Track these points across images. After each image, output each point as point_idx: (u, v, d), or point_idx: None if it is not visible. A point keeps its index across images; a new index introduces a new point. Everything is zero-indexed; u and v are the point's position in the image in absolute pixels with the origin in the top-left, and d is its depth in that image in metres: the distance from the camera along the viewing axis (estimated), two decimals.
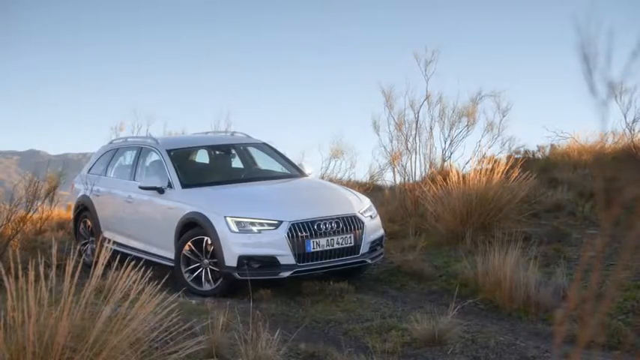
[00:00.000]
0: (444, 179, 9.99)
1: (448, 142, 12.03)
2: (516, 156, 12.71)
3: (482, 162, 11.28)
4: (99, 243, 7.60)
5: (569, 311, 1.89)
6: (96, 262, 4.48)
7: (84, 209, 9.87)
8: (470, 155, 11.90)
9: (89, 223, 9.79)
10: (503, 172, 9.63)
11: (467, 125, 12.08)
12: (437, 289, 7.81)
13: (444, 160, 11.99)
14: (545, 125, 14.42)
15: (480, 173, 9.69)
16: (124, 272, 4.49)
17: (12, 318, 4.05)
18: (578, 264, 8.15)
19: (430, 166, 11.81)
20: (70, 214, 10.99)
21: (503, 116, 12.35)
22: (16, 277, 4.14)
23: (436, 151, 11.95)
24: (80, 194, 9.99)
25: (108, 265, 4.56)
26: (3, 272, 4.18)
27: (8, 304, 4.09)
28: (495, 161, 10.58)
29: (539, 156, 14.39)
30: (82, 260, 4.55)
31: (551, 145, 14.60)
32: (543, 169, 12.73)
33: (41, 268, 4.27)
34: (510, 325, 6.54)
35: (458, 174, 9.90)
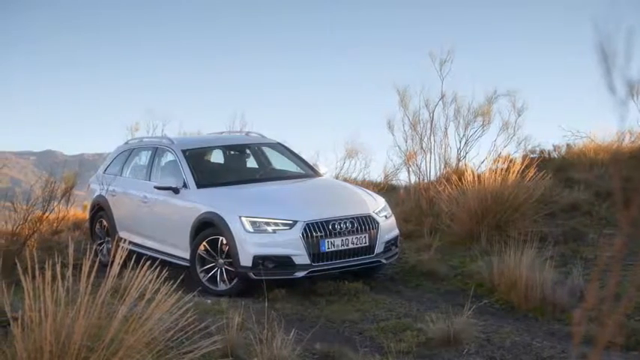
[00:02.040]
0: (459, 179, 9.96)
1: (463, 142, 11.99)
2: (532, 155, 12.65)
3: (498, 161, 11.23)
4: (115, 243, 7.64)
5: (586, 311, 1.88)
6: (112, 262, 4.50)
7: (100, 209, 9.92)
8: (485, 155, 11.85)
9: (105, 223, 9.84)
10: (518, 171, 9.58)
11: (482, 125, 12.03)
12: (452, 289, 7.79)
13: (459, 160, 11.95)
14: (561, 124, 14.34)
15: (496, 173, 9.65)
16: (139, 272, 4.51)
17: (29, 317, 4.07)
18: (596, 264, 8.09)
19: (445, 166, 11.77)
20: (86, 214, 11.05)
21: (519, 115, 12.29)
22: (34, 277, 4.17)
23: (451, 150, 11.92)
24: (96, 194, 10.04)
25: (124, 265, 4.58)
26: (20, 272, 4.21)
27: (26, 304, 4.12)
28: (511, 161, 10.55)
29: (555, 155, 14.28)
30: (98, 260, 4.56)
31: (567, 145, 14.49)
32: (559, 168, 12.64)
33: (58, 268, 4.29)
34: (526, 326, 6.51)
35: (473, 173, 9.86)
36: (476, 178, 9.70)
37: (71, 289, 4.24)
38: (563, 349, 5.76)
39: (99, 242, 9.85)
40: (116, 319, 4.18)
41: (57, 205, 9.34)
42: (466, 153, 11.98)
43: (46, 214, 9.20)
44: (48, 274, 4.16)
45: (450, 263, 8.55)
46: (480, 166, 11.59)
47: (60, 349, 4.01)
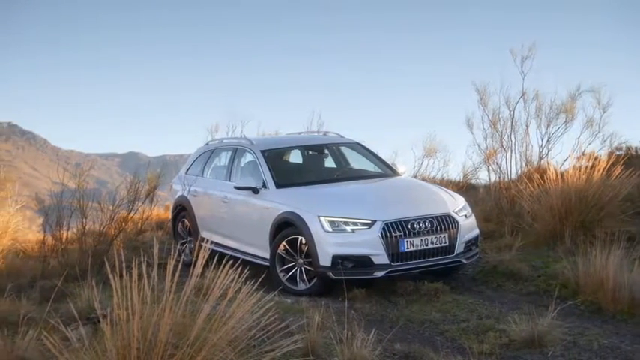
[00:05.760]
0: (541, 177, 9.74)
1: (545, 140, 11.70)
2: (618, 153, 12.24)
3: (582, 159, 10.92)
4: (197, 242, 7.76)
5: None
6: (195, 262, 4.59)
7: (182, 209, 10.13)
8: (568, 152, 11.52)
9: (187, 223, 10.04)
10: (604, 169, 9.31)
11: (565, 122, 11.72)
12: (535, 290, 7.61)
13: (540, 158, 11.67)
14: None
15: (580, 171, 9.39)
16: (221, 271, 4.59)
17: (117, 315, 4.20)
18: None
19: (526, 164, 11.52)
20: (169, 215, 11.31)
21: (604, 112, 11.90)
22: (121, 276, 4.29)
23: (532, 148, 11.65)
24: (178, 195, 10.26)
25: (206, 265, 4.67)
26: (108, 270, 4.35)
27: (114, 302, 4.25)
28: (595, 158, 10.23)
29: None
30: (181, 259, 4.67)
31: None
32: None
33: (144, 267, 4.41)
34: (614, 328, 6.31)
35: (556, 172, 9.63)
36: (559, 177, 9.47)
37: (156, 287, 4.35)
38: None
39: (181, 242, 10.06)
40: (200, 318, 4.27)
41: (141, 205, 9.59)
42: (548, 151, 11.69)
43: (131, 214, 9.47)
44: (134, 272, 4.28)
45: (533, 263, 8.36)
46: (562, 164, 11.29)
47: (147, 346, 4.12)
